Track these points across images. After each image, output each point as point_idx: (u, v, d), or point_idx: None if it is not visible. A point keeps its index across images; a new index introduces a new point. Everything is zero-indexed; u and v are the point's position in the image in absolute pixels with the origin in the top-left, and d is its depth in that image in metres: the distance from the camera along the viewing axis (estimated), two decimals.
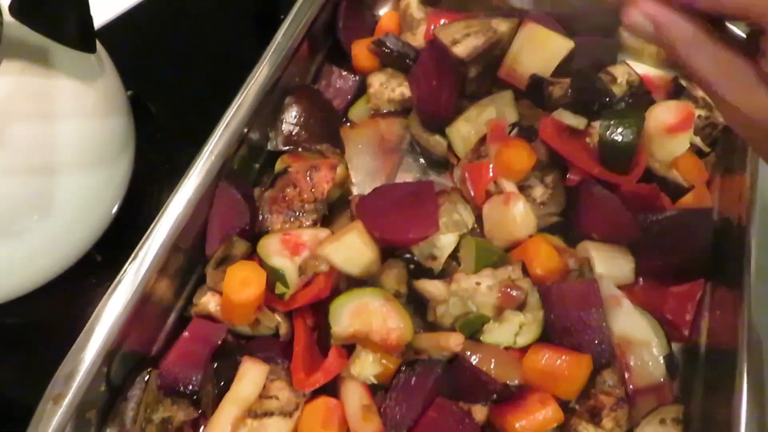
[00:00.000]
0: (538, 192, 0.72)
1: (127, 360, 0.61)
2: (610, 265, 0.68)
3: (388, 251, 0.68)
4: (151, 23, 1.06)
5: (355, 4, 0.90)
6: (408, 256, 0.67)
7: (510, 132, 0.77)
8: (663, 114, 0.72)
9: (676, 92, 0.80)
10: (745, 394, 0.56)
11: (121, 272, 0.61)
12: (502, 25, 0.77)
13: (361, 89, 0.86)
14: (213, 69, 1.00)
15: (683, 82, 0.80)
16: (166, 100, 0.96)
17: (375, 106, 0.84)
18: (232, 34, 1.04)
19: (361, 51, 0.87)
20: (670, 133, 0.72)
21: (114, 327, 0.58)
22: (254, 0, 1.01)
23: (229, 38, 1.04)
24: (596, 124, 0.71)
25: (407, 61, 0.82)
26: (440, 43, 0.75)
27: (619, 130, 0.68)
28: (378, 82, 0.83)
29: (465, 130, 0.77)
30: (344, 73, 0.86)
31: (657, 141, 0.72)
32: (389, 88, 0.82)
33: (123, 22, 1.05)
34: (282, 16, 1.02)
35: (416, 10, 0.90)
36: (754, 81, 0.38)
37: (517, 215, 0.67)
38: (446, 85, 0.76)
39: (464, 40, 0.74)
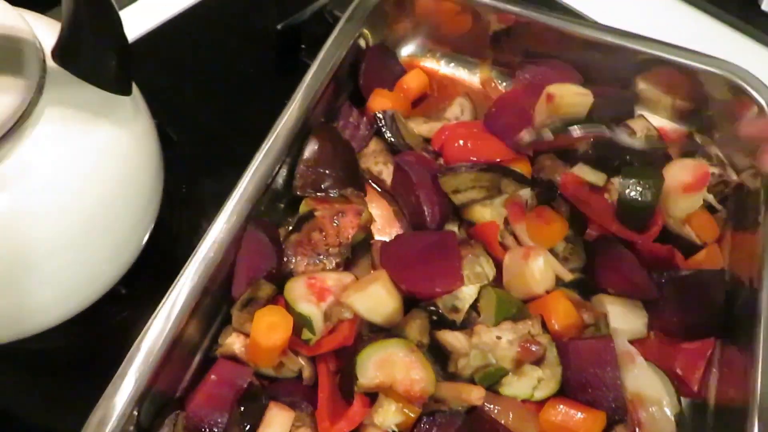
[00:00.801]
0: (560, 247, 0.74)
1: (156, 401, 0.62)
2: (624, 320, 0.71)
3: (411, 301, 0.70)
4: (170, 49, 1.07)
5: (381, 50, 0.92)
6: (432, 308, 0.68)
7: (528, 200, 0.78)
8: (679, 173, 0.74)
9: (690, 146, 0.83)
10: None
11: (153, 315, 0.62)
12: (509, 188, 0.77)
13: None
14: (232, 97, 1.01)
15: (698, 138, 0.83)
16: (186, 128, 0.97)
17: (366, 169, 0.85)
18: (253, 63, 1.05)
19: (376, 101, 0.88)
20: (685, 192, 0.74)
21: (146, 371, 0.59)
22: (276, 32, 1.02)
23: (250, 67, 1.05)
24: (616, 180, 0.73)
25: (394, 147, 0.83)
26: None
27: (639, 189, 0.70)
28: (371, 148, 0.85)
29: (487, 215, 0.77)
30: (363, 118, 0.87)
31: (672, 198, 0.74)
32: (376, 160, 0.83)
33: (140, 44, 1.06)
34: (303, 47, 1.05)
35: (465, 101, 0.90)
36: None
37: (536, 270, 0.69)
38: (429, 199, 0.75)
39: (466, 192, 0.75)
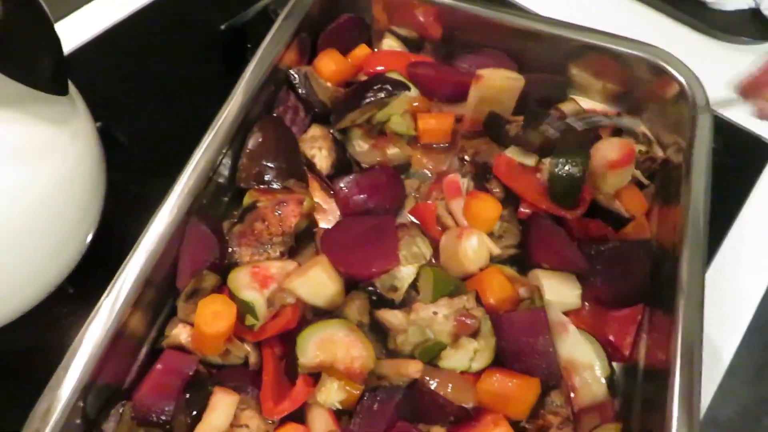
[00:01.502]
0: (495, 226, 0.77)
1: (102, 393, 0.64)
2: (558, 292, 0.74)
3: (352, 283, 0.72)
4: (118, 53, 1.08)
5: (355, 21, 0.94)
6: (371, 288, 0.71)
7: (464, 174, 0.82)
8: (607, 151, 0.78)
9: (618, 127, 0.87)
10: (676, 409, 0.61)
11: (96, 307, 0.63)
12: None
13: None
14: (180, 98, 1.02)
15: (625, 119, 0.87)
16: (134, 130, 0.99)
17: (302, 152, 0.86)
18: (199, 63, 1.07)
19: (322, 61, 0.90)
20: (613, 169, 0.78)
21: (90, 362, 0.60)
22: (222, 31, 1.04)
23: (196, 67, 1.06)
24: (546, 160, 0.76)
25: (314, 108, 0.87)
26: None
27: (567, 168, 0.73)
28: (310, 134, 0.87)
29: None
30: (300, 106, 0.89)
31: (601, 175, 0.78)
32: (312, 146, 0.85)
33: (87, 49, 1.07)
34: (249, 46, 1.06)
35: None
36: None
37: (469, 249, 0.72)
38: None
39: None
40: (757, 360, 2.04)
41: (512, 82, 0.80)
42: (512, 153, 0.78)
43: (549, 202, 0.75)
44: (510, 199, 0.79)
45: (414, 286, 0.73)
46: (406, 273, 0.71)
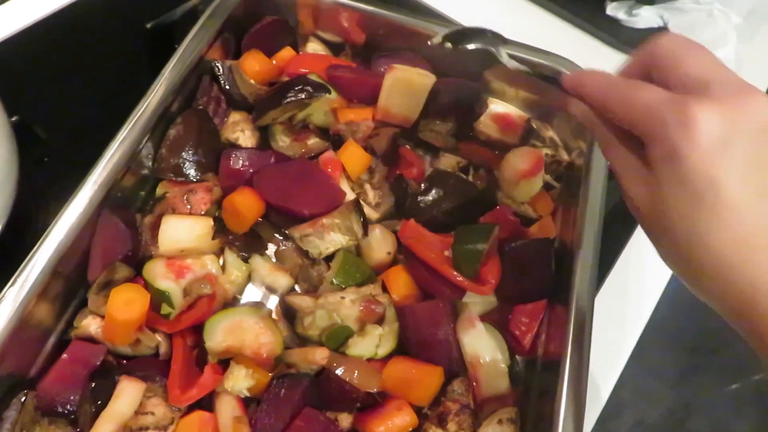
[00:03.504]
0: (371, 195, 0.81)
1: (3, 383, 0.63)
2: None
3: None
4: (41, 46, 1.07)
5: (280, 24, 0.96)
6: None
7: None
8: (517, 162, 0.84)
9: (528, 130, 0.92)
10: (565, 393, 0.65)
11: None
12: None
13: None
14: (105, 95, 1.01)
15: (534, 124, 0.92)
16: (56, 125, 0.98)
17: (225, 140, 0.87)
18: (125, 61, 1.07)
19: (246, 61, 0.91)
20: (525, 178, 0.83)
21: None
22: (148, 29, 1.04)
23: (122, 65, 1.06)
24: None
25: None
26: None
27: (471, 245, 0.73)
28: (231, 120, 0.88)
29: None
30: (222, 98, 0.90)
31: (514, 185, 0.84)
32: (234, 129, 0.86)
33: (10, 44, 1.06)
34: (176, 46, 1.07)
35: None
36: (640, 174, 0.48)
37: (372, 240, 0.76)
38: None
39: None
40: (681, 365, 2.14)
41: (423, 78, 0.85)
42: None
43: (452, 271, 0.73)
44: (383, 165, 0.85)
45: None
46: (334, 239, 0.74)
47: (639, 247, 0.94)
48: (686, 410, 2.07)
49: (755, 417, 2.07)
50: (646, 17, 1.21)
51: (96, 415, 0.64)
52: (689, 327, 2.22)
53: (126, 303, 0.67)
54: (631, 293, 0.91)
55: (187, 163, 0.80)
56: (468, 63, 0.94)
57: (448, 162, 0.88)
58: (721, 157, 0.41)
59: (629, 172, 0.49)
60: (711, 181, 0.42)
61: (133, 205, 0.80)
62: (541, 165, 0.84)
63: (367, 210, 0.79)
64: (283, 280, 0.77)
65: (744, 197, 0.42)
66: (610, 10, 1.22)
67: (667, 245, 0.48)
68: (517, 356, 0.77)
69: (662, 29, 1.21)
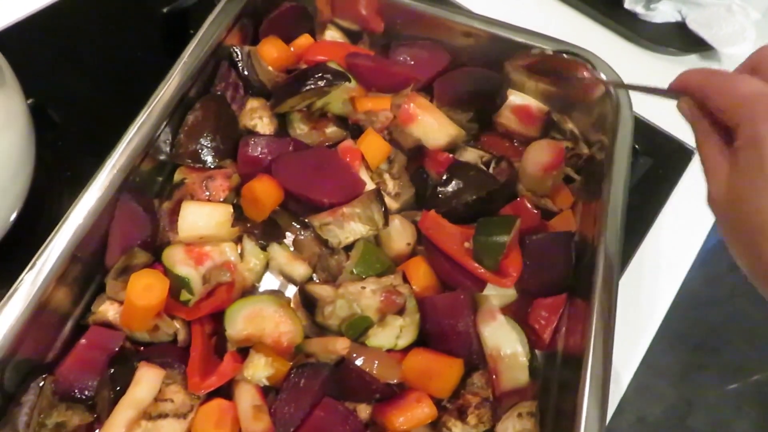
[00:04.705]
0: (390, 185, 0.81)
1: (22, 367, 0.63)
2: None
3: None
4: (57, 30, 1.06)
5: (298, 10, 0.94)
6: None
7: None
8: (538, 154, 0.83)
9: (548, 123, 0.91)
10: (588, 388, 0.65)
11: (18, 281, 0.62)
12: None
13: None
14: (120, 80, 1.01)
15: (554, 116, 0.91)
16: (71, 109, 0.97)
17: (243, 126, 0.86)
18: (140, 46, 1.06)
19: (264, 47, 0.90)
20: (546, 171, 0.82)
21: (8, 336, 0.59)
22: (164, 14, 1.03)
23: (137, 50, 1.05)
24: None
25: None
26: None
27: (493, 237, 0.72)
28: (249, 106, 0.87)
29: None
30: (240, 84, 0.88)
31: (536, 178, 0.83)
32: (252, 116, 0.85)
33: (26, 27, 1.04)
34: (192, 31, 1.06)
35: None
36: (723, 166, 0.49)
37: (392, 231, 0.76)
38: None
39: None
40: (683, 363, 2.15)
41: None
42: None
43: (473, 263, 0.73)
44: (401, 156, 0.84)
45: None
46: (354, 228, 0.74)
47: (656, 243, 0.93)
48: (687, 408, 2.07)
49: (756, 415, 2.08)
50: (663, 11, 1.20)
51: (114, 401, 0.63)
52: (692, 326, 2.23)
53: (145, 288, 0.66)
54: (645, 290, 0.90)
55: (205, 149, 0.79)
56: (487, 52, 0.94)
57: (470, 156, 0.87)
58: None
59: (714, 164, 0.50)
60: None
61: (150, 191, 0.79)
62: (562, 158, 0.84)
63: (386, 200, 0.78)
64: (301, 269, 0.76)
65: None
66: (629, 4, 1.21)
67: (737, 238, 0.48)
68: (536, 350, 0.77)
69: (680, 24, 1.20)
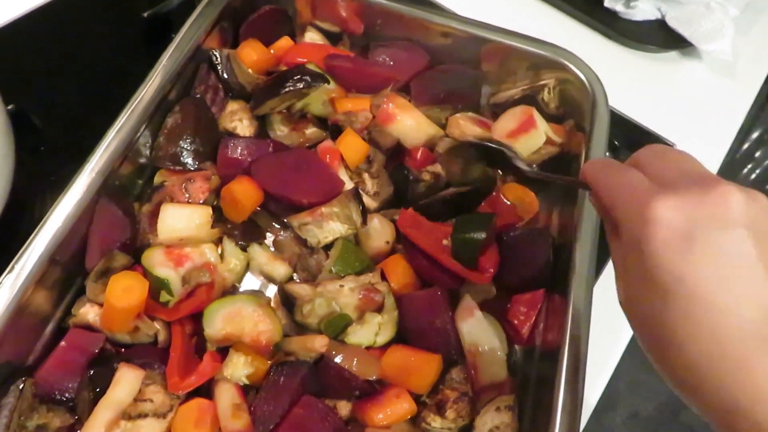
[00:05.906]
0: (369, 185, 0.81)
1: (2, 370, 0.63)
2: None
3: None
4: (38, 34, 1.06)
5: (277, 13, 0.95)
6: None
7: None
8: (505, 124, 0.85)
9: None
10: (563, 381, 0.65)
11: None
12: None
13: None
14: (102, 84, 1.01)
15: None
16: (52, 114, 0.97)
17: (223, 129, 0.86)
18: (122, 51, 1.06)
19: (244, 50, 0.90)
20: (516, 136, 0.84)
21: None
22: (145, 19, 1.04)
23: (119, 54, 1.06)
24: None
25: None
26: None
27: (470, 234, 0.73)
28: (229, 109, 0.87)
29: None
30: (220, 86, 0.89)
31: (514, 144, 0.83)
32: (232, 118, 0.86)
33: (6, 32, 1.04)
34: (173, 35, 1.06)
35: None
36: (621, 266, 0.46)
37: (371, 229, 0.76)
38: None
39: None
40: None
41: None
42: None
43: (451, 260, 0.73)
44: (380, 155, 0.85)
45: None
46: (333, 227, 0.74)
47: None
48: (680, 403, 2.07)
49: None
50: (643, 9, 1.21)
51: (94, 403, 0.64)
52: None
53: (125, 290, 0.67)
54: None
55: (185, 152, 0.80)
56: (465, 51, 0.94)
57: (445, 146, 0.87)
58: (688, 252, 0.39)
59: (615, 262, 0.47)
60: (677, 278, 0.39)
61: (130, 194, 0.80)
62: (532, 120, 0.84)
63: (365, 199, 0.79)
64: (281, 269, 0.77)
65: (714, 293, 0.38)
66: (608, 2, 1.22)
67: (640, 339, 0.45)
68: (515, 345, 0.77)
69: (660, 22, 1.21)
